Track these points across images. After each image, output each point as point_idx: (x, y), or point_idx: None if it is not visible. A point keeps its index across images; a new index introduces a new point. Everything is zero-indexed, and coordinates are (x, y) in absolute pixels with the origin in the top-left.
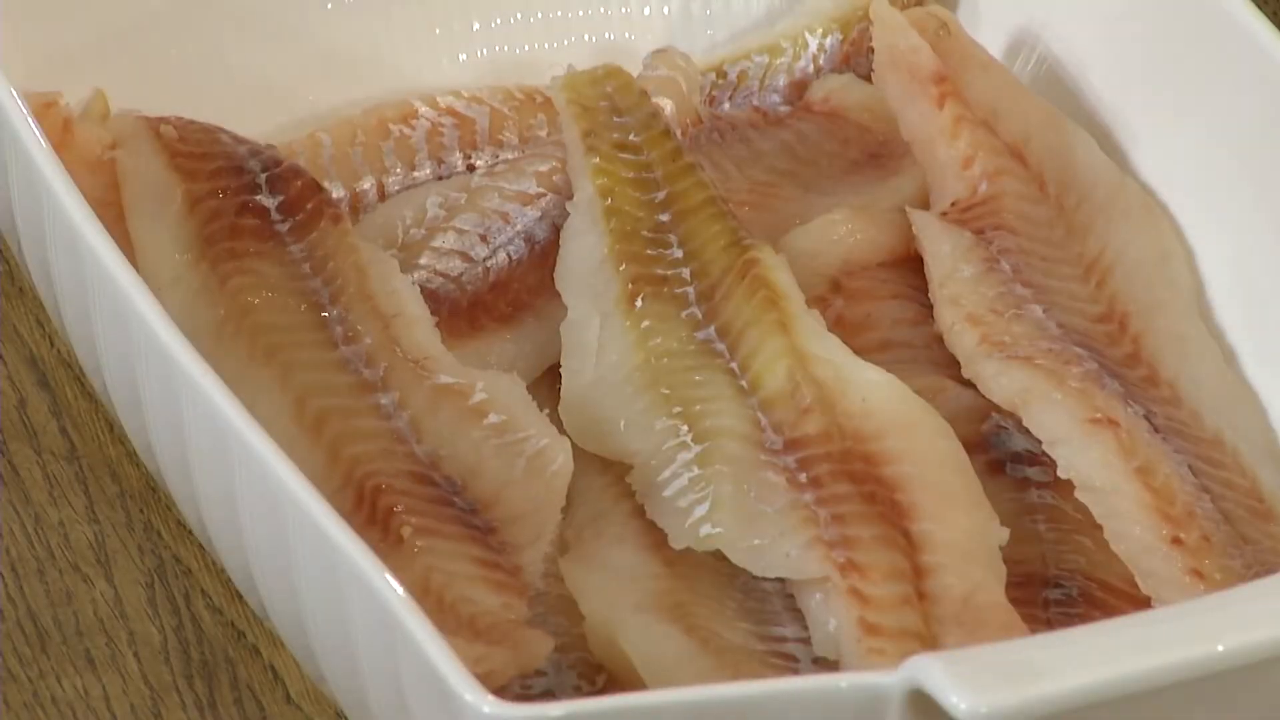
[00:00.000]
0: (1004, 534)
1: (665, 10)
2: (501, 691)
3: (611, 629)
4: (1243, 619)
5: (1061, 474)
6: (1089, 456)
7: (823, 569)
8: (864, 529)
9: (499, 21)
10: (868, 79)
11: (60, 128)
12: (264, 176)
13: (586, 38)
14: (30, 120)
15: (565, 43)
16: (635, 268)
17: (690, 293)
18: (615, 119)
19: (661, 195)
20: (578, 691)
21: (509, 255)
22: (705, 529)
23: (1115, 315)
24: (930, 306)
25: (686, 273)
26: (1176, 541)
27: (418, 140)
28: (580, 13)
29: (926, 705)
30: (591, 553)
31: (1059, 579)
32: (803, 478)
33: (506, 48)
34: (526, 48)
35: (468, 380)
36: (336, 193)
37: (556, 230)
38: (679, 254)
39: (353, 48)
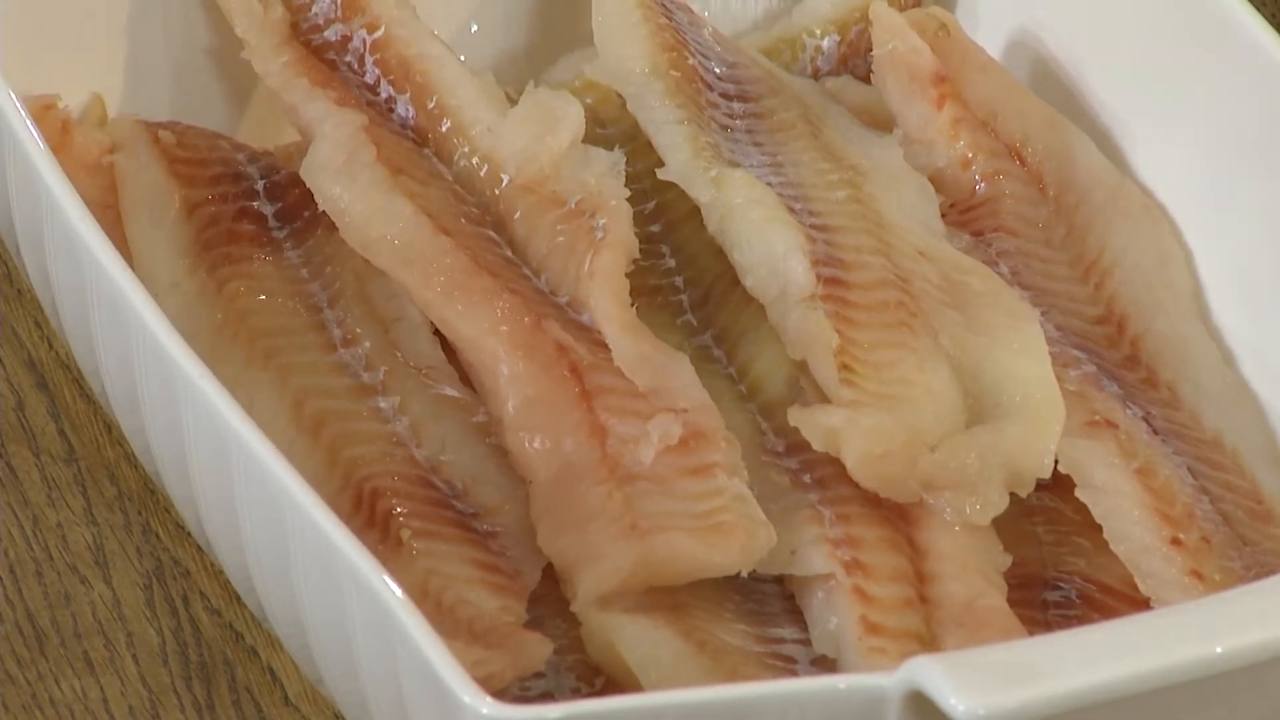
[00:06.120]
0: (1007, 559)
1: None
2: (500, 694)
3: (609, 631)
4: (1242, 620)
5: (1061, 470)
6: (1088, 458)
7: (828, 565)
8: (869, 530)
9: (497, 23)
10: (866, 80)
11: (59, 130)
12: (262, 183)
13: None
14: (29, 122)
15: (563, 47)
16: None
17: (684, 300)
18: (599, 130)
19: (651, 206)
20: (576, 693)
21: None
22: None
23: (1114, 317)
24: None
25: (680, 281)
26: (1176, 542)
27: None
28: (578, 17)
29: (925, 707)
30: None
31: (1058, 581)
32: (806, 479)
33: (505, 50)
34: (526, 51)
35: (471, 399)
36: None
37: None
38: (671, 263)
39: None
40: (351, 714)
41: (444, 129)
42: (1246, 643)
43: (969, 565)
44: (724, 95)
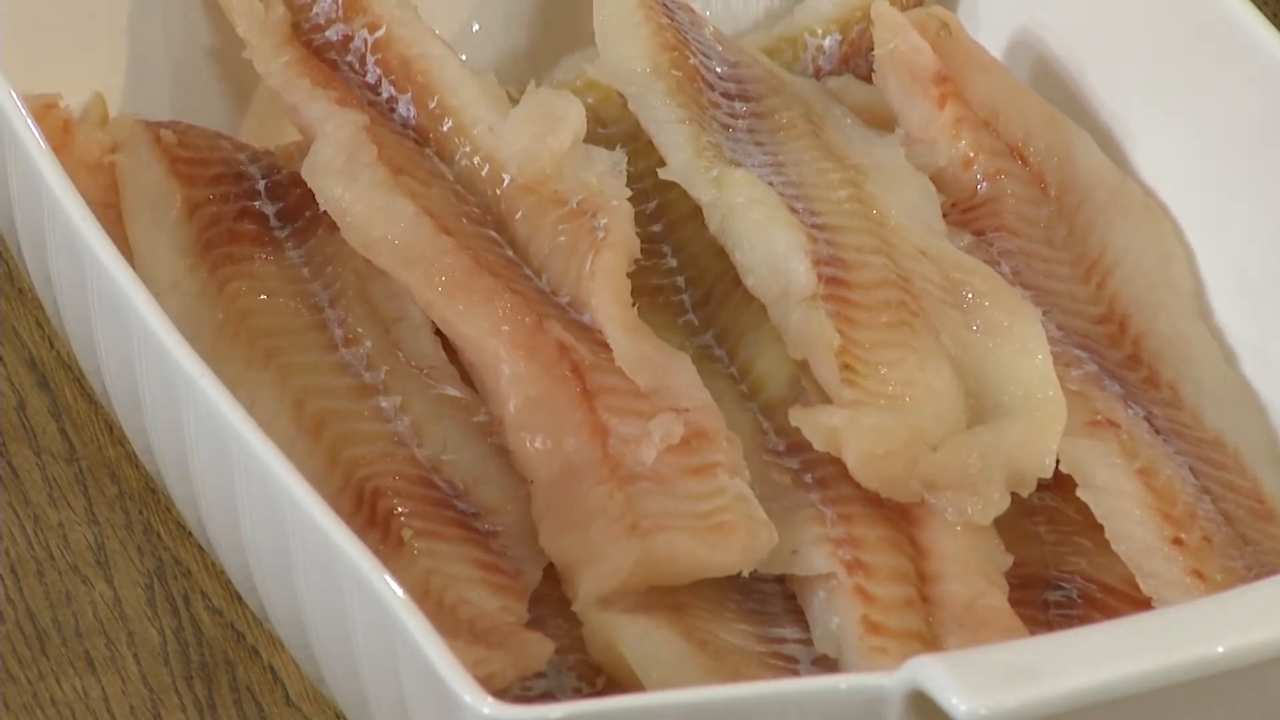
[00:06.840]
0: (1008, 559)
1: None
2: (501, 693)
3: (610, 631)
4: (1243, 620)
5: (1062, 470)
6: (1090, 457)
7: (829, 565)
8: (870, 530)
9: (499, 23)
10: (867, 79)
11: (60, 129)
12: (263, 183)
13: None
14: (30, 122)
15: (565, 47)
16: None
17: (685, 300)
18: (600, 130)
19: (652, 206)
20: (577, 693)
21: None
22: None
23: (1116, 316)
24: None
25: (681, 280)
26: (1177, 542)
27: None
28: (580, 16)
29: (927, 706)
30: None
31: (1059, 580)
32: (808, 479)
33: (507, 50)
34: (528, 51)
35: (472, 399)
36: None
37: None
38: (673, 263)
39: None
40: (353, 714)
41: (445, 129)
42: (1247, 643)
43: (970, 565)
44: (725, 95)
